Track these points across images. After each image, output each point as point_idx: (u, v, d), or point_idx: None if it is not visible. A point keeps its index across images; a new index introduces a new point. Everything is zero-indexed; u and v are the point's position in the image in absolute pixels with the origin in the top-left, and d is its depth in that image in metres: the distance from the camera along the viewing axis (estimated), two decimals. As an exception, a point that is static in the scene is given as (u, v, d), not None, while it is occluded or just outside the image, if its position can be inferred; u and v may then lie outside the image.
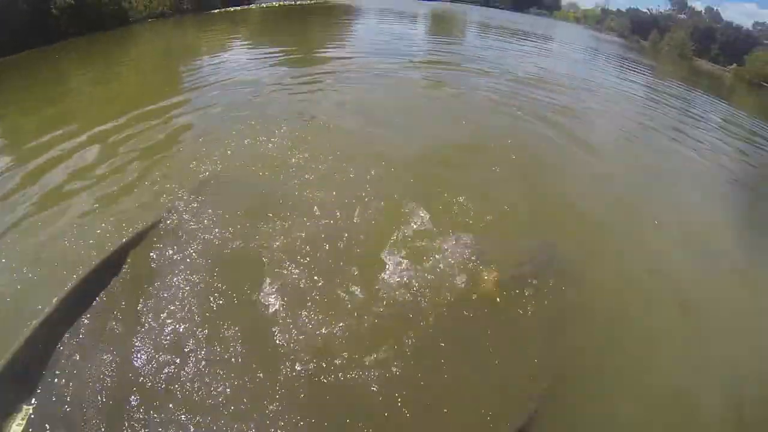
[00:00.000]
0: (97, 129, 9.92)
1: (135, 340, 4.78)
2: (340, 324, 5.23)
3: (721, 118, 22.58)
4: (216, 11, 32.06)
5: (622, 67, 33.63)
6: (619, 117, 17.08)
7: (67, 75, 15.15)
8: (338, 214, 7.23)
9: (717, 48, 57.88)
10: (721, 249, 8.97)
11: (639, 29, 65.43)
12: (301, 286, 5.70)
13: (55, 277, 5.43)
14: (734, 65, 52.79)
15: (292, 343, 4.98)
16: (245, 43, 22.10)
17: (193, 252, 6.07)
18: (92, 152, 8.93)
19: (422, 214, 7.34)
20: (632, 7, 71.97)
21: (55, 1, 18.37)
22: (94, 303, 5.11)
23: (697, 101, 26.33)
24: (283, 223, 6.79)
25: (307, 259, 6.14)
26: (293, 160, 8.85)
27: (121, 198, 7.39)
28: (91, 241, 6.16)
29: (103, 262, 5.51)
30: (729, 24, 60.63)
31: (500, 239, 7.19)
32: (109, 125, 10.13)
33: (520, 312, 5.88)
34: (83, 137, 9.55)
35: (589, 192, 9.90)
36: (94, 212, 6.97)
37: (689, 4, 66.15)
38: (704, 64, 56.04)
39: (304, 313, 5.32)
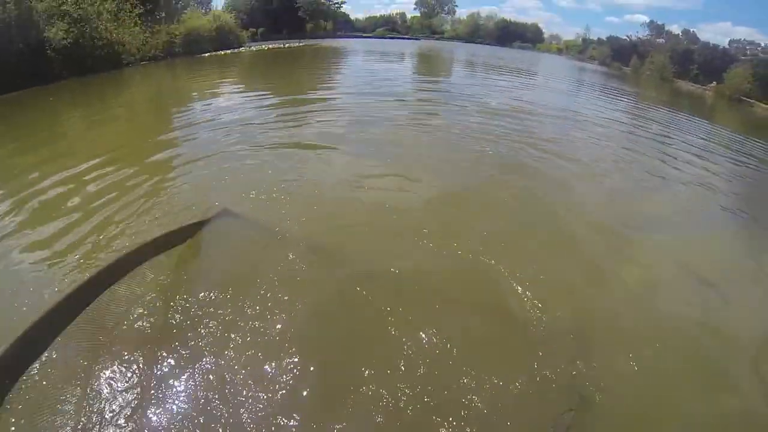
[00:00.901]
0: (86, 169, 9.74)
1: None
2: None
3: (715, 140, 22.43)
4: (207, 54, 33.29)
5: (608, 96, 33.94)
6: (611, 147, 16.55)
7: (60, 115, 15.40)
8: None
9: (696, 68, 59.20)
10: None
11: (619, 56, 66.96)
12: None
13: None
14: (714, 83, 53.95)
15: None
16: (235, 85, 22.62)
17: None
18: (77, 193, 8.59)
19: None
20: (612, 35, 73.68)
21: (51, 42, 19.32)
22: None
23: (685, 124, 26.37)
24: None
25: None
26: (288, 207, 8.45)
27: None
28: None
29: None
30: (706, 44, 62.14)
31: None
32: (99, 165, 9.94)
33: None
34: (71, 176, 9.37)
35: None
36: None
37: (666, 28, 67.87)
38: (685, 85, 57.25)
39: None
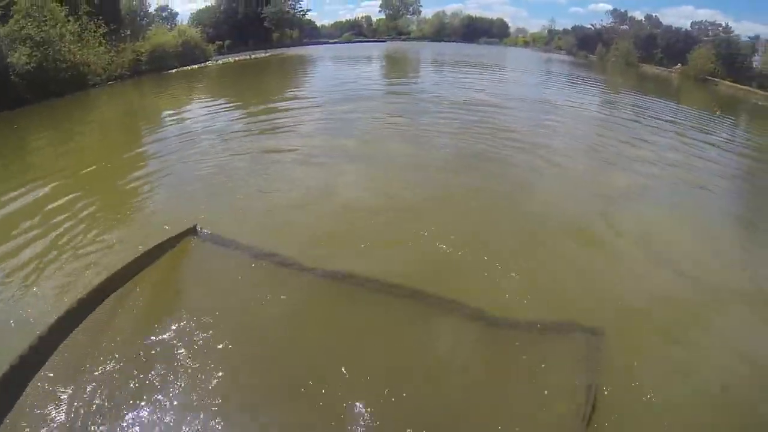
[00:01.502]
0: (51, 191, 9.69)
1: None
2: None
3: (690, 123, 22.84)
4: (173, 71, 33.26)
5: (575, 84, 34.56)
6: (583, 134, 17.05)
7: (25, 140, 15.18)
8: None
9: (660, 52, 60.00)
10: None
11: (585, 45, 67.57)
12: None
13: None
14: (679, 65, 54.76)
15: None
16: (202, 99, 22.77)
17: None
18: (41, 216, 8.41)
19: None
20: (577, 24, 74.20)
21: (14, 67, 19.15)
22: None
23: (652, 105, 27.22)
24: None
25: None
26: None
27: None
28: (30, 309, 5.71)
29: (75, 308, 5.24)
30: (669, 28, 62.84)
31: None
32: (65, 186, 9.91)
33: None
34: (34, 198, 9.32)
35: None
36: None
37: (630, 14, 68.52)
38: (650, 69, 58.00)
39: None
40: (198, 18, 50.25)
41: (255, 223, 8.24)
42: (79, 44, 24.57)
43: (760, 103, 37.82)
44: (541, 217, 9.04)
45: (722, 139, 19.06)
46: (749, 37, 53.21)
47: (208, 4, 53.84)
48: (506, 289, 6.47)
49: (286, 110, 18.24)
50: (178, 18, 48.38)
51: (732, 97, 40.42)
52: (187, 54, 36.62)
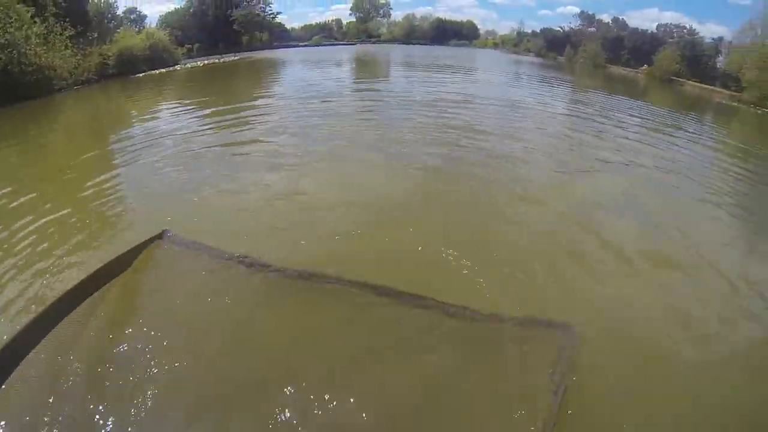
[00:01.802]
0: (14, 195, 9.39)
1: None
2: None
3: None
4: (141, 75, 32.78)
5: (547, 85, 35.12)
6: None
7: None
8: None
9: (627, 53, 61.12)
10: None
11: (554, 47, 68.57)
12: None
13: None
14: (645, 66, 55.79)
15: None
16: (170, 103, 22.40)
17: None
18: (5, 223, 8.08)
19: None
20: (545, 27, 75.12)
21: (-25, 70, 18.55)
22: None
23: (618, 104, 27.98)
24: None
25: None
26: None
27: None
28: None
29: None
30: (635, 30, 63.95)
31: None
32: (28, 191, 9.57)
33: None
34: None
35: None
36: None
37: (597, 17, 69.60)
38: (617, 70, 59.08)
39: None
40: (167, 21, 49.70)
41: (223, 223, 8.13)
42: (45, 47, 23.73)
43: (723, 102, 38.81)
44: (518, 213, 9.19)
45: (686, 133, 19.95)
46: (713, 39, 54.70)
47: (178, 6, 53.42)
48: (482, 284, 6.50)
49: (253, 111, 18.27)
50: (147, 21, 47.85)
51: (697, 96, 41.51)
52: (156, 58, 36.18)
